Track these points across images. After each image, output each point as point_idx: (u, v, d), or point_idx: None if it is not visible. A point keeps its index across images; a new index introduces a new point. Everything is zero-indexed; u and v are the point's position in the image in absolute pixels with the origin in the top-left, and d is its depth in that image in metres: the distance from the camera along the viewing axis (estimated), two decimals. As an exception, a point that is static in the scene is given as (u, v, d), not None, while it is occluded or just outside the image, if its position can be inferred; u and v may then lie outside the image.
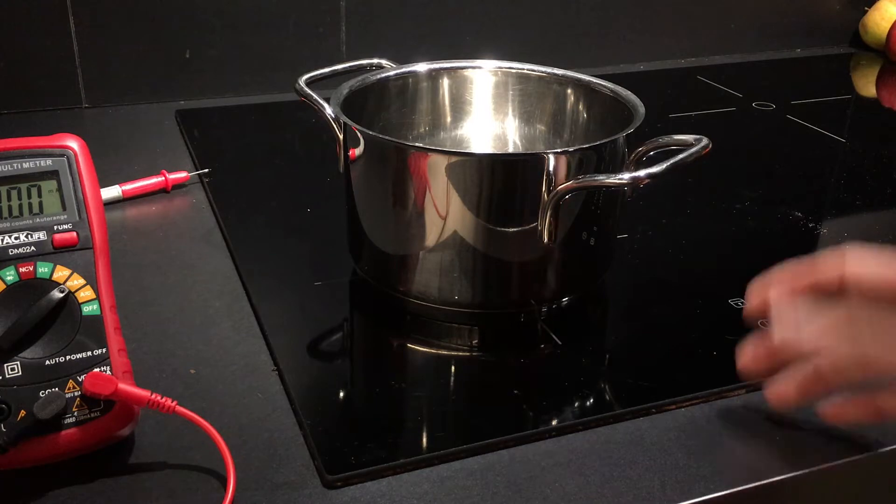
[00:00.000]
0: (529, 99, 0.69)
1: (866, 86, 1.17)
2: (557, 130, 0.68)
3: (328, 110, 0.59)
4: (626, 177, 0.52)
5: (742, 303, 0.60)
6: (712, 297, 0.61)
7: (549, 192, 0.53)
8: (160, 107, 0.93)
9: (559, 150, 0.53)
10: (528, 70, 0.68)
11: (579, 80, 0.66)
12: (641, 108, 0.59)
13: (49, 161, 0.48)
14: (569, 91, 0.67)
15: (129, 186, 0.73)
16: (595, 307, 0.62)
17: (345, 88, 0.61)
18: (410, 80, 0.68)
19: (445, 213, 0.54)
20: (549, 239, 0.54)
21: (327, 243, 0.68)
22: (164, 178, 0.74)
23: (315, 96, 0.61)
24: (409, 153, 0.54)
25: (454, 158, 0.54)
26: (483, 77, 0.69)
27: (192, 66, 0.94)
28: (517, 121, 0.70)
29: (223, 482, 0.44)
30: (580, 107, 0.67)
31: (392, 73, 0.67)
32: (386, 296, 0.60)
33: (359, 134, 0.56)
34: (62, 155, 0.48)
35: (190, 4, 0.91)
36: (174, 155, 0.82)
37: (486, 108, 0.70)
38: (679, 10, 1.15)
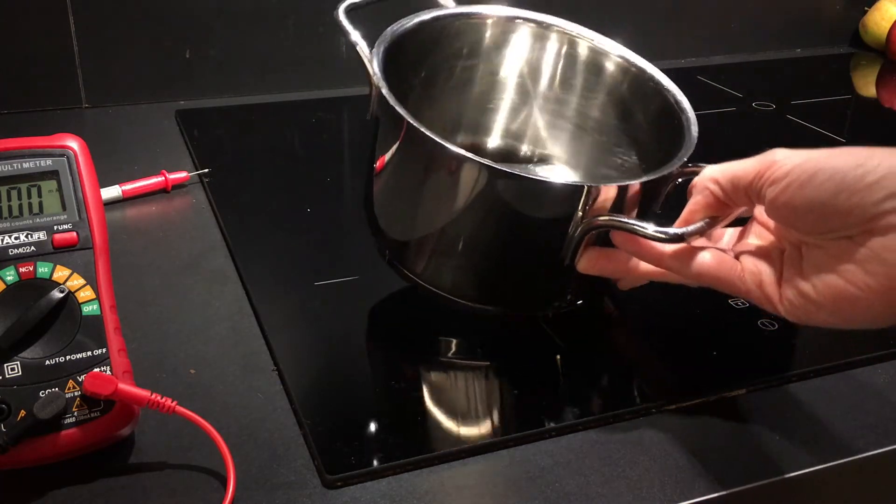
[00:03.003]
0: (572, 66, 0.64)
1: (866, 86, 1.17)
2: (585, 107, 0.64)
3: (366, 57, 0.55)
4: (668, 232, 0.47)
5: (742, 303, 0.60)
6: (712, 298, 0.61)
7: (579, 221, 0.50)
8: (160, 107, 0.93)
9: (599, 184, 0.49)
10: (578, 35, 0.64)
11: (641, 69, 0.61)
12: (695, 129, 0.55)
13: (49, 161, 0.48)
14: (619, 75, 0.62)
15: (129, 186, 0.73)
16: (595, 308, 0.62)
17: (388, 36, 0.57)
18: (464, 25, 0.63)
19: (469, 214, 0.51)
20: (569, 260, 0.52)
21: (327, 243, 0.68)
22: (164, 178, 0.74)
23: (357, 36, 0.56)
24: (444, 154, 0.50)
25: (487, 172, 0.49)
26: (534, 36, 0.64)
27: (192, 66, 0.94)
28: (547, 85, 0.65)
29: (223, 482, 0.44)
30: (623, 92, 0.63)
31: (443, 13, 0.62)
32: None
33: (397, 114, 0.51)
34: (62, 155, 0.48)
35: (190, 4, 0.91)
36: (174, 155, 0.82)
37: (522, 66, 0.65)
38: (679, 10, 1.14)
